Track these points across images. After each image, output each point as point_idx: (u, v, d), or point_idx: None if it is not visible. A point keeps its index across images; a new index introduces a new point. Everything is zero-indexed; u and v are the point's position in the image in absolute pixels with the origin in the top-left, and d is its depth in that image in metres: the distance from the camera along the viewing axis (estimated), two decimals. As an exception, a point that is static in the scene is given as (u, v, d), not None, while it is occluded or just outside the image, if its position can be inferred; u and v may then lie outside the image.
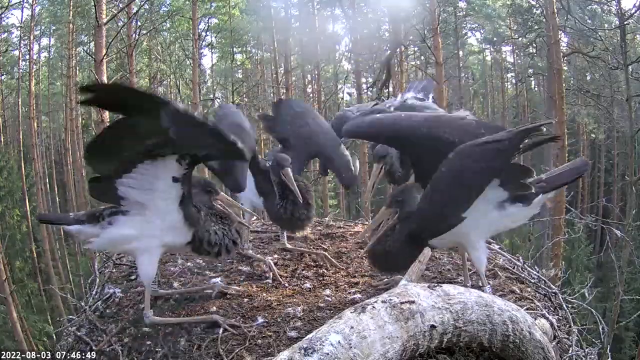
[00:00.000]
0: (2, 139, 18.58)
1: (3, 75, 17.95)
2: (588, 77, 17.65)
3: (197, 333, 2.40)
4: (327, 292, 2.78)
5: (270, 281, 2.90)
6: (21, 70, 16.92)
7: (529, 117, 19.05)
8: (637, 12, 9.58)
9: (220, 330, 2.37)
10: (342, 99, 18.98)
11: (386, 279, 2.86)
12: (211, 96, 20.69)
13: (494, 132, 2.33)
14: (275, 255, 3.27)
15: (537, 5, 15.11)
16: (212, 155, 2.50)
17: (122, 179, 2.25)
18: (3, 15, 15.59)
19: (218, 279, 2.88)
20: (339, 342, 1.54)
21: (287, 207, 2.97)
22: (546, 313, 2.52)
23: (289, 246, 3.34)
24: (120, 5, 11.86)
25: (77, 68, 17.64)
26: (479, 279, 2.58)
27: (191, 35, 14.55)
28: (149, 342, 2.35)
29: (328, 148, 3.27)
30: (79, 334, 2.45)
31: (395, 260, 2.44)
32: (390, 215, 2.48)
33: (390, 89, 9.14)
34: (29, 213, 16.05)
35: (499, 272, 2.99)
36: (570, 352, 2.29)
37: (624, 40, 9.19)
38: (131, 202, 2.33)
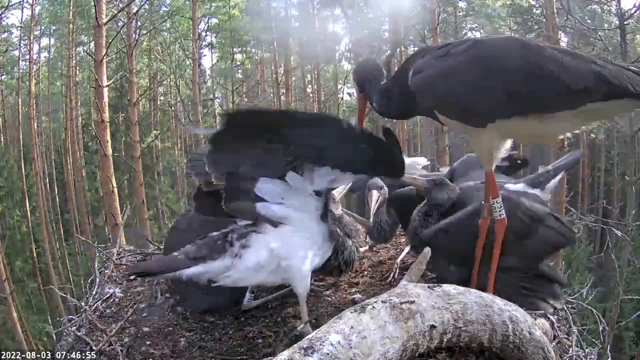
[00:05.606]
0: (2, 139, 18.58)
1: (3, 75, 17.94)
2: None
3: (197, 333, 2.40)
4: (327, 292, 2.78)
5: None
6: (21, 70, 16.89)
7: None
8: (637, 12, 9.57)
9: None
10: (342, 99, 18.97)
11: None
12: (211, 96, 20.69)
13: None
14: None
15: (537, 5, 15.10)
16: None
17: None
18: (3, 15, 15.59)
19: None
20: (339, 342, 1.54)
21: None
22: (546, 313, 2.52)
23: None
24: (120, 5, 11.86)
25: (77, 68, 17.62)
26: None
27: (191, 35, 14.54)
28: (148, 342, 2.35)
29: None
30: (79, 334, 2.44)
31: None
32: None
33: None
34: (28, 213, 16.04)
35: (499, 272, 2.98)
36: (570, 352, 2.28)
37: (624, 40, 9.19)
38: (268, 217, 2.06)
